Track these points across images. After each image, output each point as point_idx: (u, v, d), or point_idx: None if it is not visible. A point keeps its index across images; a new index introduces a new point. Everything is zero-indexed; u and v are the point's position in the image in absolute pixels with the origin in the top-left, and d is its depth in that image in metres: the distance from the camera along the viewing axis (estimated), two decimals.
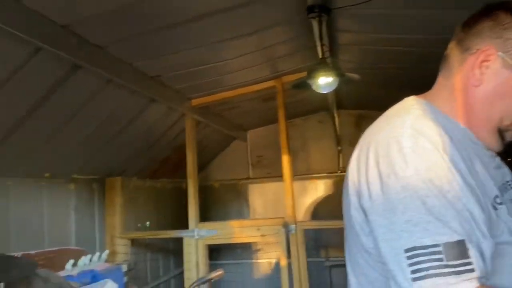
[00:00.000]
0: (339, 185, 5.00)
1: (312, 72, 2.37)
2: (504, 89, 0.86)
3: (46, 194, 2.70)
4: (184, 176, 3.70)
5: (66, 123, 2.47)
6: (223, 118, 4.54)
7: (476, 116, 0.89)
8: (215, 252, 4.70)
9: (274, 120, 4.35)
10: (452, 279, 0.68)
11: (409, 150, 0.78)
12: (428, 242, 0.70)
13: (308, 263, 3.38)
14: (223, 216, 5.13)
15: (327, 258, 4.78)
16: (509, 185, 0.91)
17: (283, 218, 3.35)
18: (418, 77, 3.30)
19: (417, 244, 0.71)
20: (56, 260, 2.53)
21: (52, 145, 2.53)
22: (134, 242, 3.53)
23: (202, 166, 5.11)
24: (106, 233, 3.34)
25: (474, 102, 0.89)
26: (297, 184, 4.33)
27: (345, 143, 5.08)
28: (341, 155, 5.07)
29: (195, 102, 3.55)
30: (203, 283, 2.04)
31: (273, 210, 5.04)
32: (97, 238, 3.26)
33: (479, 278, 0.70)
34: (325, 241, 4.87)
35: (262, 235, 3.29)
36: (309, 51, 2.95)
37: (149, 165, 3.96)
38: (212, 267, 3.33)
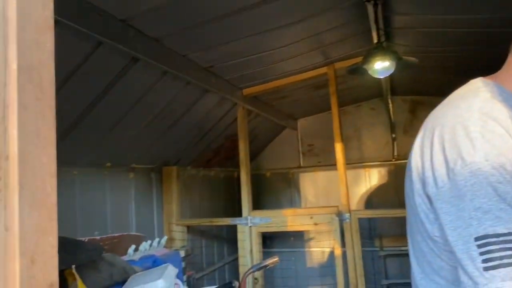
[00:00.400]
0: (394, 173, 4.90)
1: (368, 56, 2.31)
2: None
3: (108, 183, 2.83)
4: (236, 165, 3.76)
5: (125, 114, 2.57)
6: (274, 107, 4.55)
7: None
8: (269, 240, 4.75)
9: (324, 108, 4.30)
10: None
11: (477, 135, 0.74)
12: (501, 230, 0.67)
13: (362, 252, 3.33)
14: (274, 205, 5.17)
15: (382, 248, 4.69)
16: None
17: (337, 206, 3.31)
18: (479, 60, 3.13)
19: (489, 232, 0.68)
20: (119, 244, 2.66)
21: (113, 136, 2.65)
22: (190, 229, 3.64)
23: (254, 155, 5.15)
24: (163, 220, 3.46)
25: None
26: (350, 173, 4.26)
27: (399, 131, 4.93)
28: (395, 142, 4.92)
29: (246, 91, 3.58)
30: (259, 269, 2.06)
31: (325, 199, 5.01)
32: (155, 225, 3.39)
33: None
34: (379, 231, 4.78)
35: (316, 224, 3.28)
36: (363, 36, 2.87)
37: (203, 155, 4.05)
38: (265, 255, 3.37)
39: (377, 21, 2.26)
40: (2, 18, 0.56)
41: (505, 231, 0.67)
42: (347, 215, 3.26)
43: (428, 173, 0.80)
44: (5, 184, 0.58)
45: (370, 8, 2.16)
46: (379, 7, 2.15)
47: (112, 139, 2.67)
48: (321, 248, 4.93)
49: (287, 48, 2.86)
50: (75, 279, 1.83)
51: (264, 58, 2.95)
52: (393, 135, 4.93)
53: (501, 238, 0.67)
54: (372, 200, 4.98)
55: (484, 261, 0.68)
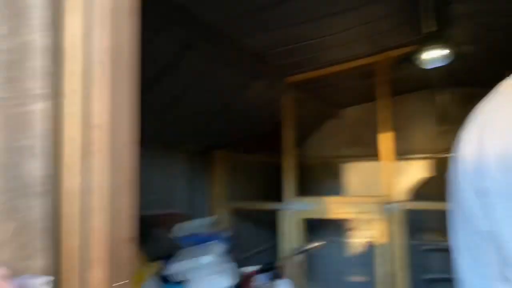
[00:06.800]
0: (441, 167, 4.78)
1: (419, 46, 2.28)
2: None
3: (157, 162, 2.97)
4: (280, 152, 3.81)
5: (178, 98, 2.68)
6: (321, 95, 4.54)
7: None
8: (311, 227, 4.79)
9: (372, 98, 4.24)
10: None
11: None
12: None
13: (405, 244, 3.31)
14: (316, 193, 5.19)
15: (423, 242, 4.61)
16: None
17: (381, 196, 3.30)
18: None
19: None
20: (166, 222, 2.79)
21: (165, 118, 2.76)
22: (234, 212, 3.74)
23: (298, 143, 5.18)
24: (209, 202, 3.58)
25: None
26: (396, 164, 4.20)
27: (449, 123, 4.80)
28: (444, 135, 4.80)
29: (293, 79, 3.61)
30: (302, 252, 2.12)
31: (368, 189, 4.97)
32: (201, 206, 3.51)
33: None
34: (422, 224, 4.70)
35: (360, 213, 3.29)
36: (415, 25, 2.82)
37: (248, 140, 4.13)
38: (306, 241, 3.41)
39: (430, 10, 2.22)
40: None
41: None
42: (392, 205, 3.24)
43: (483, 167, 0.80)
44: (94, 149, 0.66)
45: None
46: None
47: (164, 121, 2.79)
48: (362, 238, 4.92)
49: (338, 35, 2.86)
50: None
51: (314, 45, 2.96)
52: (442, 128, 4.80)
53: None
54: (417, 192, 4.90)
55: None
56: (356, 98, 5.02)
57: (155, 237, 2.35)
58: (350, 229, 5.05)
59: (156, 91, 2.43)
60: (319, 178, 5.41)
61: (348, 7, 2.41)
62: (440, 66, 2.98)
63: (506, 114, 0.83)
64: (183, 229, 2.77)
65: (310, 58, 3.24)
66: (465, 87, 4.68)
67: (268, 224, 4.21)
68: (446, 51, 2.30)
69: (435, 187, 4.78)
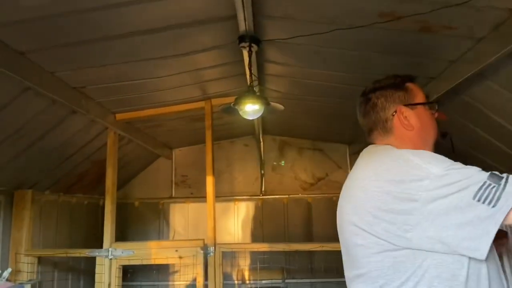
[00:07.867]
0: (260, 207, 5.09)
1: (239, 98, 2.44)
2: None
3: None
4: (102, 192, 3.56)
5: None
6: (149, 135, 4.46)
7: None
8: (130, 273, 4.53)
9: (201, 141, 4.36)
10: (509, 187, 0.99)
11: (420, 161, 1.10)
12: (479, 184, 1.01)
13: (225, 285, 3.37)
14: (142, 236, 4.98)
15: (243, 281, 4.80)
16: None
17: (202, 239, 3.33)
18: (339, 111, 3.52)
19: (475, 190, 1.01)
20: None
21: None
22: (41, 261, 3.31)
23: (123, 183, 4.95)
24: (10, 250, 3.09)
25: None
26: (220, 205, 4.35)
27: (268, 167, 5.22)
28: (264, 178, 5.18)
29: (119, 116, 3.46)
30: None
31: (194, 230, 5.00)
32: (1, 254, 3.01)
33: None
34: (242, 264, 4.90)
35: (180, 257, 3.24)
36: (239, 78, 3.03)
37: (65, 179, 3.76)
38: None
39: (251, 65, 2.41)
40: None
41: (482, 183, 1.01)
42: (211, 248, 3.29)
43: (396, 204, 1.08)
44: None
45: (245, 54, 2.31)
46: (253, 54, 2.31)
47: None
48: (185, 281, 4.86)
49: (167, 78, 2.87)
50: None
51: (142, 85, 2.91)
52: (262, 172, 5.19)
53: (483, 187, 1.01)
54: (240, 233, 5.12)
55: (488, 203, 0.99)
56: (186, 140, 5.09)
57: None
58: (173, 273, 4.95)
59: None
60: (145, 220, 5.23)
61: (178, 53, 2.45)
62: (261, 116, 3.23)
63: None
64: None
65: (138, 97, 3.18)
66: (283, 136, 5.20)
67: (88, 271, 3.84)
68: (263, 105, 2.50)
69: (255, 228, 5.09)
